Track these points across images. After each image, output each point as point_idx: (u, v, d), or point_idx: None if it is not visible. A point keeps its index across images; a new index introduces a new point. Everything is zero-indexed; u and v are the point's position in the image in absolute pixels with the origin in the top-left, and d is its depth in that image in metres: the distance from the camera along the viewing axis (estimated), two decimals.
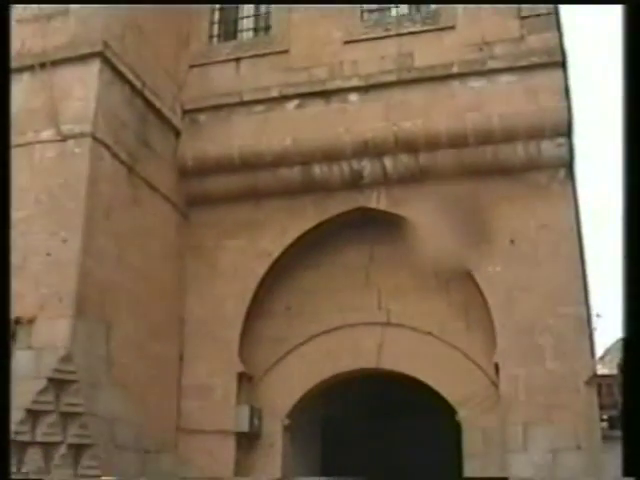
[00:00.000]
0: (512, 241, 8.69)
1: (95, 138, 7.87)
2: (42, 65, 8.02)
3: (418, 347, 9.09)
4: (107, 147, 8.05)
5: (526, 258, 8.57)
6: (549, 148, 8.68)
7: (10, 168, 6.18)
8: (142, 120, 8.78)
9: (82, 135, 7.83)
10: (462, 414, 8.73)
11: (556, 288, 8.39)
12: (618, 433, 19.79)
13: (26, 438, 6.98)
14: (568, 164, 8.79)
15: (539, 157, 8.72)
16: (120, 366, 7.88)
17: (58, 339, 7.15)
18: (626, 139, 4.95)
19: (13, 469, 6.85)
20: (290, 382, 9.37)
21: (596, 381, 8.35)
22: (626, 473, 4.16)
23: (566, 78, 8.79)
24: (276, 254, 9.39)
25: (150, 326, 8.56)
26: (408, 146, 8.98)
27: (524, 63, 8.82)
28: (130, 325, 8.16)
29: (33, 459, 7.01)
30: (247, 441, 9.10)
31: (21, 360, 6.91)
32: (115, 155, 8.18)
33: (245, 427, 8.89)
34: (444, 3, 9.35)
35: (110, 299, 7.86)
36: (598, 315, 12.70)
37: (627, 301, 5.01)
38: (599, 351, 29.60)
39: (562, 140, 8.67)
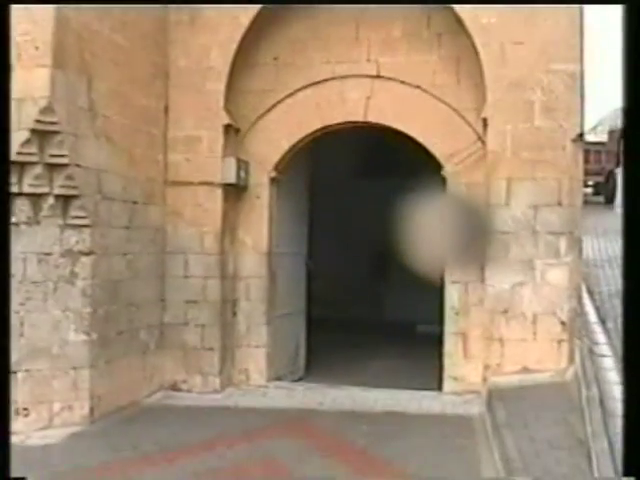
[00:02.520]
0: None
1: None
2: None
3: (407, 100, 8.94)
4: None
5: (522, 9, 8.16)
6: None
7: None
8: None
9: None
10: (448, 169, 8.80)
11: (551, 43, 8.11)
12: (601, 199, 20.57)
13: (13, 190, 7.02)
14: None
15: None
16: (104, 118, 7.75)
17: (37, 89, 6.92)
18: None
19: None
20: (277, 135, 9.32)
21: (582, 141, 8.33)
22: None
23: None
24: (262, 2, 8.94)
25: (133, 78, 8.31)
26: None
27: None
28: (112, 77, 7.91)
29: (22, 210, 7.10)
30: (234, 193, 9.21)
31: None
32: None
33: (232, 179, 8.94)
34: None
35: (90, 49, 7.53)
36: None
37: (627, 70, 4.84)
38: (593, 121, 29.73)
39: None
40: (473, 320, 8.64)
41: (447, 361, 8.82)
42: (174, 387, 8.99)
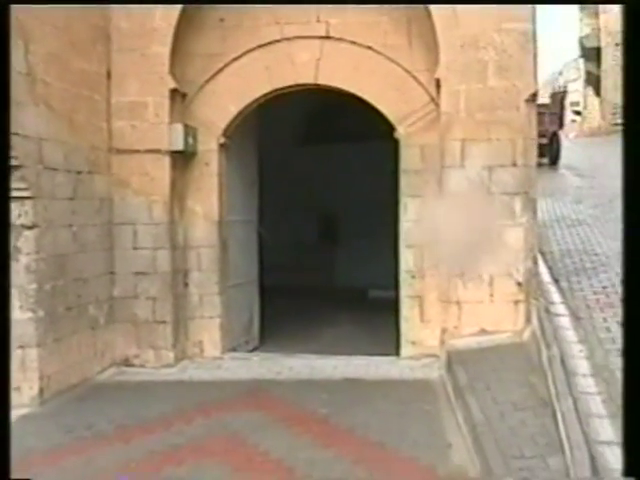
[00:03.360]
0: None
1: None
2: None
3: (358, 62, 8.73)
4: None
5: None
6: None
7: None
8: None
9: None
10: (401, 131, 8.65)
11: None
12: (545, 160, 21.07)
13: None
14: None
15: None
16: (43, 84, 7.36)
17: None
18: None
19: None
20: (225, 99, 9.03)
21: (536, 101, 8.27)
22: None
23: None
24: None
25: (73, 41, 7.91)
26: None
27: None
28: (51, 40, 7.51)
29: None
30: (182, 160, 8.91)
31: None
32: None
33: (180, 146, 8.62)
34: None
35: (26, 10, 7.15)
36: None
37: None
38: None
39: None
40: (429, 283, 8.56)
41: (404, 325, 8.74)
42: (126, 362, 8.73)
